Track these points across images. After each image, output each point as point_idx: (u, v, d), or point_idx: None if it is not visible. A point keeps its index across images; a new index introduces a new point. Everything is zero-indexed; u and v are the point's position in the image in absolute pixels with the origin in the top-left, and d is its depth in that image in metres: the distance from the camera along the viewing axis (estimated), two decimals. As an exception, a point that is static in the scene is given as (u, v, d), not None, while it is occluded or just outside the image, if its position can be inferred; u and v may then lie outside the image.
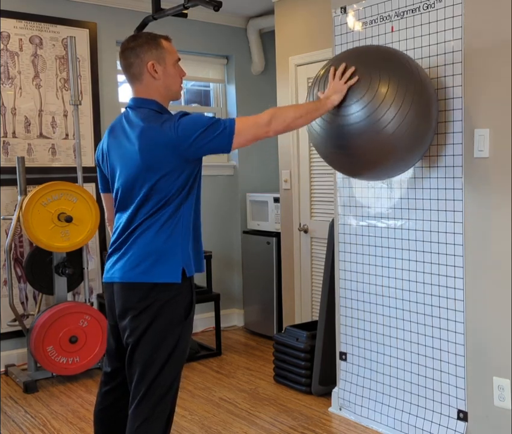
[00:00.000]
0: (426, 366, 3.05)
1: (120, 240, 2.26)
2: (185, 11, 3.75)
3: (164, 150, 2.14)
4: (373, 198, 3.25)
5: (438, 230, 2.94)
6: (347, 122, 2.52)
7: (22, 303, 4.44)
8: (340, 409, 3.51)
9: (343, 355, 3.50)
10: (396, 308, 3.17)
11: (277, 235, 4.93)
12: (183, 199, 2.22)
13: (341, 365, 3.52)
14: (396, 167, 2.73)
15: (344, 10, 3.31)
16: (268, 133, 2.22)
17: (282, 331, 4.25)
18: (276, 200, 4.93)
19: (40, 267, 4.26)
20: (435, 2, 2.87)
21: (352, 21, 3.27)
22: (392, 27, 3.07)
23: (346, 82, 2.51)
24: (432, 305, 3.00)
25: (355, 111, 2.50)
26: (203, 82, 5.61)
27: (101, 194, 2.51)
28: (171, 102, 2.35)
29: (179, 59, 2.35)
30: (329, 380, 3.70)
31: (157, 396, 2.21)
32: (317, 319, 3.98)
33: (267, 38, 5.43)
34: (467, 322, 2.87)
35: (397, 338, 3.18)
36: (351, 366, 3.45)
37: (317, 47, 4.27)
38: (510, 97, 2.64)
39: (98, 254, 4.73)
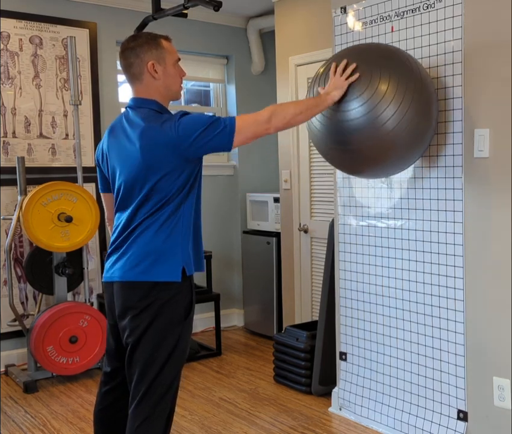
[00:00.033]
0: (426, 366, 3.05)
1: (120, 239, 2.26)
2: (185, 11, 3.76)
3: (165, 150, 2.14)
4: (373, 198, 3.25)
5: (438, 230, 2.95)
6: (347, 117, 2.52)
7: (22, 303, 4.44)
8: (340, 409, 3.51)
9: (343, 355, 3.50)
10: (396, 308, 3.17)
11: (277, 235, 4.93)
12: (183, 199, 2.22)
13: (341, 365, 3.52)
14: (395, 164, 2.73)
15: (344, 10, 3.31)
16: (269, 130, 2.22)
17: (282, 331, 4.25)
18: (276, 200, 4.93)
19: (40, 267, 4.26)
20: (435, 2, 2.88)
21: (352, 21, 3.27)
22: (392, 27, 3.07)
23: (346, 79, 2.52)
24: (432, 305, 3.00)
25: (355, 107, 2.50)
26: (203, 82, 5.61)
27: (101, 194, 2.51)
28: (171, 102, 2.35)
29: (179, 59, 2.35)
30: (329, 380, 3.70)
31: (157, 395, 2.21)
32: (317, 319, 3.98)
33: (267, 38, 5.43)
34: (467, 322, 2.87)
35: (397, 338, 3.18)
36: (351, 366, 3.45)
37: (317, 47, 4.27)
38: (510, 97, 2.64)
39: (98, 254, 4.73)
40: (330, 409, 3.57)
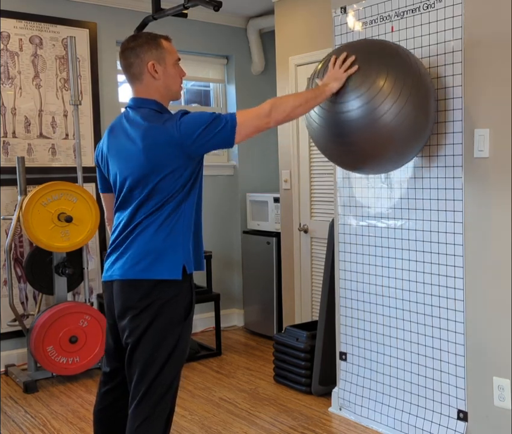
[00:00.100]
0: (426, 366, 3.05)
1: (120, 239, 2.25)
2: (185, 11, 3.75)
3: (167, 149, 2.15)
4: (373, 198, 3.25)
5: (438, 230, 2.94)
6: (344, 109, 2.53)
7: (22, 303, 4.44)
8: (340, 409, 3.51)
9: (343, 355, 3.50)
10: (396, 308, 3.17)
11: (277, 235, 4.93)
12: (184, 197, 2.22)
13: (341, 365, 3.52)
14: (394, 159, 2.73)
15: (344, 10, 3.31)
16: (269, 124, 2.23)
17: (282, 331, 4.25)
18: (276, 200, 4.93)
19: (40, 267, 4.26)
20: (435, 2, 2.88)
21: (352, 21, 3.27)
22: (392, 27, 3.07)
23: (345, 71, 2.52)
24: (432, 305, 3.00)
25: (352, 99, 2.51)
26: (203, 82, 5.61)
27: (100, 194, 2.51)
28: (171, 102, 2.35)
29: (179, 59, 2.35)
30: (329, 380, 3.70)
31: (157, 395, 2.21)
32: (317, 319, 3.98)
33: (267, 38, 5.43)
34: (467, 322, 2.87)
35: (397, 338, 3.18)
36: (351, 366, 3.45)
37: (317, 47, 4.27)
38: (510, 97, 2.64)
39: (98, 254, 4.73)
40: (330, 409, 3.57)
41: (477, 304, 2.83)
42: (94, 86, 4.68)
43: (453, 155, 2.85)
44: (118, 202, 2.30)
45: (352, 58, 2.54)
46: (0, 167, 4.30)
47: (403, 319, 3.13)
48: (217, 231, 5.38)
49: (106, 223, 2.55)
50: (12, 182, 4.28)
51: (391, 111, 2.50)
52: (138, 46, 2.26)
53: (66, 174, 4.48)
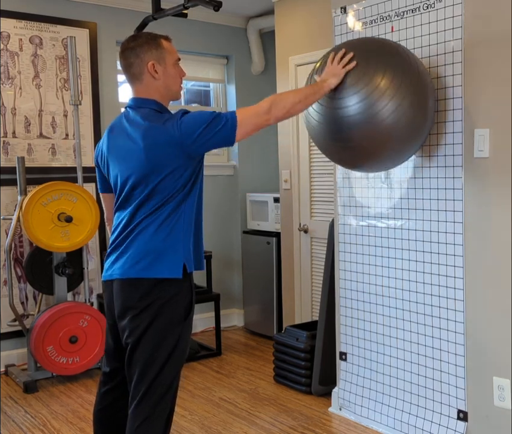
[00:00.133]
0: (426, 366, 3.05)
1: (120, 238, 2.25)
2: (185, 11, 3.75)
3: (168, 149, 2.15)
4: (373, 198, 3.25)
5: (438, 230, 2.94)
6: (343, 105, 2.54)
7: (22, 303, 4.44)
8: (340, 409, 3.51)
9: (343, 355, 3.50)
10: (396, 308, 3.17)
11: (277, 235, 4.93)
12: (185, 197, 2.22)
13: (341, 365, 3.52)
14: (392, 157, 2.74)
15: (344, 10, 3.31)
16: (269, 121, 2.23)
17: (282, 331, 4.25)
18: (276, 200, 4.93)
19: (40, 267, 4.26)
20: (435, 2, 2.88)
21: (352, 21, 3.27)
22: (392, 27, 3.07)
23: (344, 67, 2.53)
24: (432, 305, 3.00)
25: (351, 95, 2.52)
26: (203, 82, 5.61)
27: (100, 194, 2.51)
28: (171, 102, 2.35)
29: (179, 59, 2.35)
30: (329, 380, 3.70)
31: (158, 395, 2.21)
32: (317, 319, 3.98)
33: (267, 38, 5.43)
34: (467, 322, 2.87)
35: (397, 338, 3.18)
36: (351, 366, 3.45)
37: (317, 47, 4.26)
38: (510, 97, 2.64)
39: (98, 254, 4.73)
40: (330, 409, 3.57)
41: (477, 304, 2.83)
42: (94, 86, 4.68)
43: (453, 155, 2.85)
44: (118, 202, 2.30)
45: (350, 55, 2.55)
46: (0, 167, 4.30)
47: (403, 319, 3.13)
48: (217, 231, 5.38)
49: (106, 224, 2.55)
50: (12, 182, 4.28)
51: (387, 108, 2.51)
52: (138, 46, 2.26)
53: (66, 174, 4.48)
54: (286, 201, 4.75)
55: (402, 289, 3.12)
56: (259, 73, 5.53)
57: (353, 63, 2.53)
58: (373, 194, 3.25)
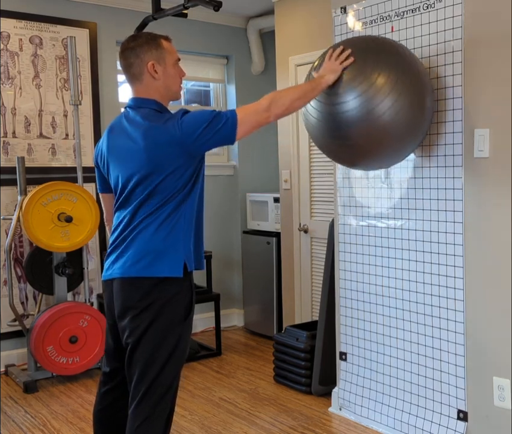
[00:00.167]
0: (426, 366, 3.05)
1: (120, 238, 2.25)
2: (185, 11, 3.75)
3: (168, 149, 2.15)
4: (373, 198, 3.25)
5: (438, 230, 2.94)
6: (340, 100, 2.54)
7: (22, 303, 4.44)
8: (340, 409, 3.51)
9: (343, 355, 3.50)
10: (396, 308, 3.17)
11: (277, 235, 4.93)
12: (185, 197, 2.22)
13: (341, 365, 3.52)
14: (390, 155, 2.74)
15: (344, 10, 3.31)
16: (269, 118, 2.24)
17: (282, 331, 4.25)
18: (276, 200, 4.93)
19: (40, 267, 4.26)
20: (435, 2, 2.88)
21: (352, 21, 3.27)
22: (392, 27, 3.07)
23: (341, 63, 2.53)
24: (432, 305, 3.00)
25: (348, 91, 2.52)
26: (203, 82, 5.61)
27: (100, 194, 2.51)
28: (171, 102, 2.35)
29: (179, 59, 2.35)
30: (329, 380, 3.70)
31: (158, 395, 2.21)
32: (317, 319, 3.98)
33: (267, 38, 5.43)
34: (467, 322, 2.87)
35: (397, 338, 3.18)
36: (351, 366, 3.45)
37: (317, 47, 4.25)
38: (510, 97, 2.64)
39: (98, 254, 4.73)
40: (330, 409, 3.57)
41: (477, 304, 2.83)
42: (94, 86, 4.68)
43: (453, 155, 2.85)
44: (118, 202, 2.30)
45: (348, 51, 2.57)
46: (0, 167, 4.30)
47: (403, 319, 3.13)
48: (217, 231, 5.38)
49: (105, 224, 2.55)
50: (12, 182, 4.28)
51: (384, 104, 2.51)
52: (138, 46, 2.26)
53: (66, 174, 4.48)
54: (286, 201, 4.75)
55: (402, 289, 3.12)
56: (259, 73, 5.53)
57: (351, 59, 2.54)
58: (373, 194, 3.25)
